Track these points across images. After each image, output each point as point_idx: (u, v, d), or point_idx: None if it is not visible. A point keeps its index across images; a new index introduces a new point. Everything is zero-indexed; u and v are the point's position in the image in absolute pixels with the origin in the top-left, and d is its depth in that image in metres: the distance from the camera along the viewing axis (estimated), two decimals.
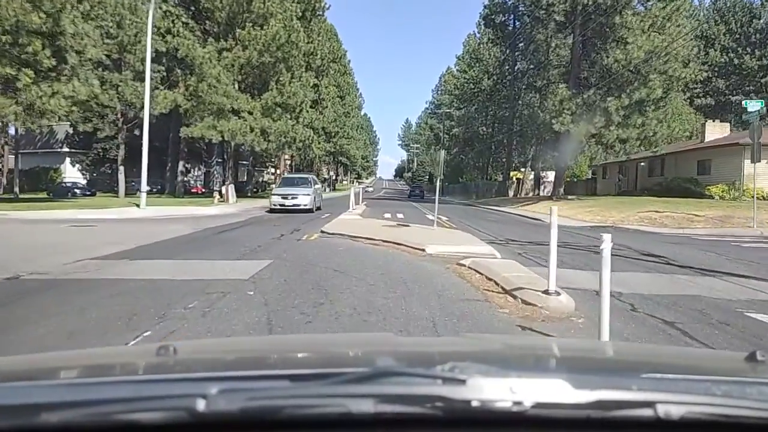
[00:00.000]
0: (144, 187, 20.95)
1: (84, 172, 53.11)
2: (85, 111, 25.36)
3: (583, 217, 22.90)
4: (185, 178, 59.16)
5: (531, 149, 52.05)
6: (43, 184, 46.56)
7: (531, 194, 53.47)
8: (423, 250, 9.17)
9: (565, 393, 0.83)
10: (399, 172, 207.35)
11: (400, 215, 22.49)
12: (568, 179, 54.01)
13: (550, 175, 54.72)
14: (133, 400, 0.80)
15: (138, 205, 21.29)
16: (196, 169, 64.04)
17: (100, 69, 29.41)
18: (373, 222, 15.57)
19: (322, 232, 13.09)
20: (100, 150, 47.22)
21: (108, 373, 1.15)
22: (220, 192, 28.92)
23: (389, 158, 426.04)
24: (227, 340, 3.25)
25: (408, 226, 13.63)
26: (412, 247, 9.54)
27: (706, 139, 31.49)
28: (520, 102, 53.17)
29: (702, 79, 30.10)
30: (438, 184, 12.02)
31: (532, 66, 48.97)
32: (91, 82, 21.82)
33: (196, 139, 40.71)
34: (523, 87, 53.17)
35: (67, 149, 55.26)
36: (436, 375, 0.85)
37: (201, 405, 0.77)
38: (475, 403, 0.79)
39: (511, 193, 52.63)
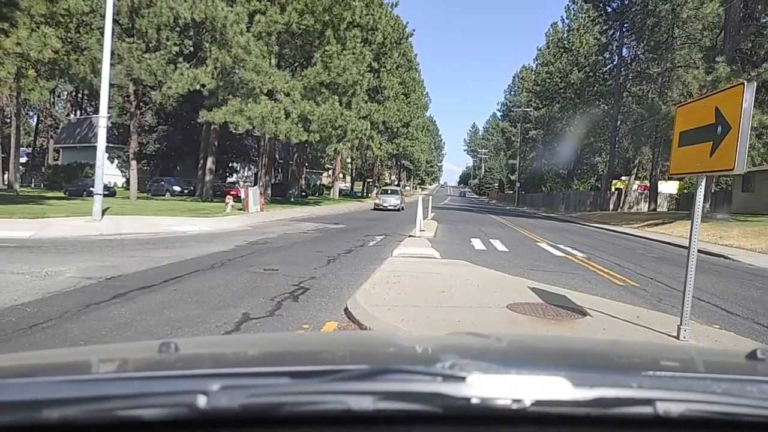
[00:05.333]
0: (99, 188, 13.75)
1: (122, 168, 48.28)
2: (48, 74, 18.80)
3: None
4: (233, 179, 53.30)
5: (640, 153, 41.91)
6: (72, 181, 41.50)
7: (635, 208, 43.26)
8: None
9: (565, 390, 0.82)
10: (464, 179, 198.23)
11: (496, 242, 14.02)
12: (686, 191, 43.38)
13: (661, 186, 44.22)
14: (135, 397, 0.79)
15: (103, 212, 14.19)
16: (246, 168, 58.01)
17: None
18: (471, 274, 7.26)
19: (349, 313, 5.03)
20: (137, 145, 41.44)
21: (109, 370, 1.15)
22: (236, 197, 21.47)
23: (452, 165, 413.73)
24: (228, 338, 3.21)
25: (583, 312, 5.16)
26: None
27: None
28: (626, 94, 43.23)
29: None
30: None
31: (647, 49, 38.92)
32: (44, 31, 14.90)
33: (238, 132, 34.29)
34: (631, 76, 43.16)
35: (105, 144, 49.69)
36: (436, 372, 0.83)
37: (202, 401, 0.76)
38: (474, 401, 0.79)
39: (610, 206, 42.63)
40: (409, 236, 13.35)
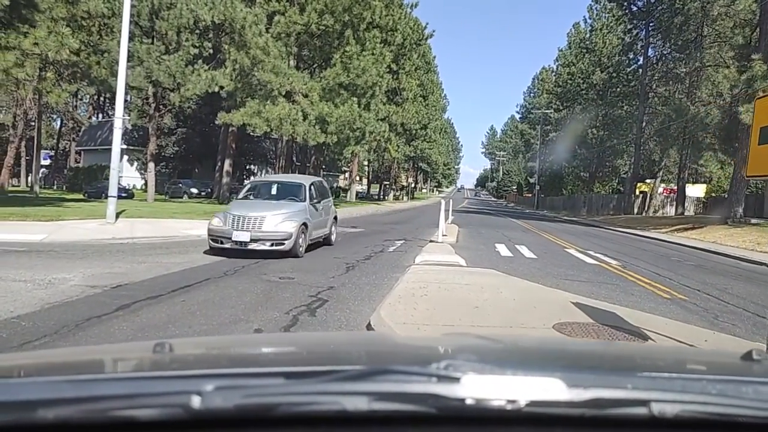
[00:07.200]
0: (113, 191, 13.41)
1: (141, 170, 48.55)
2: (69, 77, 18.68)
3: None
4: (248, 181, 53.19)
5: (667, 155, 40.73)
6: (91, 183, 41.79)
7: (661, 212, 42.01)
8: None
9: (560, 391, 0.81)
10: (481, 182, 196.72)
11: (522, 248, 13.38)
12: (715, 194, 42.02)
13: (688, 190, 42.87)
14: (130, 397, 0.79)
15: (118, 214, 13.89)
16: (264, 171, 57.96)
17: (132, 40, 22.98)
18: (504, 285, 6.72)
19: (372, 332, 4.46)
20: (156, 147, 41.57)
21: (105, 370, 1.14)
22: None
23: (469, 168, 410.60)
24: (223, 338, 3.12)
25: (643, 336, 4.52)
26: None
27: None
28: (652, 95, 42.01)
29: None
30: None
31: (674, 48, 37.76)
32: (61, 31, 14.69)
33: (256, 135, 34.14)
34: (656, 77, 41.92)
35: (124, 146, 50.03)
36: (431, 373, 0.83)
37: (197, 402, 0.76)
38: (469, 401, 0.79)
39: (635, 210, 41.45)
40: (431, 241, 12.79)
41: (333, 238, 12.02)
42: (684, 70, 36.94)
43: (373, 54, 25.40)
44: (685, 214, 37.74)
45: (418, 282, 6.55)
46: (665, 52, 40.85)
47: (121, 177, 49.18)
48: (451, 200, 25.85)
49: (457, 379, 0.80)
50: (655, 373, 1.08)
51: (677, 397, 0.82)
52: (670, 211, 41.00)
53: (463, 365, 0.85)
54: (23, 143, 47.17)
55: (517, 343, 1.76)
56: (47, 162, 55.18)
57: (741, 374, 1.13)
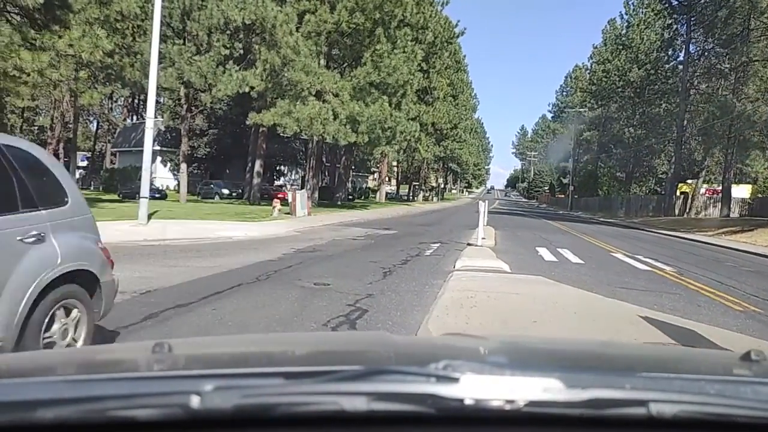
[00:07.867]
0: (144, 191, 13.22)
1: (174, 171, 49.17)
2: (104, 78, 18.75)
3: None
4: (280, 182, 53.30)
5: (710, 154, 39.10)
6: (126, 184, 42.44)
7: (703, 213, 40.28)
8: None
9: (558, 391, 0.81)
10: (512, 182, 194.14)
11: (566, 252, 12.67)
12: (761, 195, 40.07)
13: (733, 191, 40.98)
14: (129, 397, 0.79)
15: (150, 215, 13.75)
16: (293, 171, 58.03)
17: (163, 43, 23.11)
18: (559, 295, 6.25)
19: None
20: (188, 148, 41.92)
21: (104, 370, 1.14)
22: (283, 200, 20.81)
23: (499, 168, 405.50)
24: (222, 338, 3.13)
25: None
26: None
27: None
28: (693, 92, 40.32)
29: None
30: None
31: (717, 43, 36.10)
32: (95, 33, 14.67)
33: (286, 135, 34.13)
34: (697, 74, 40.22)
35: (158, 147, 50.59)
36: (430, 373, 0.83)
37: (195, 402, 0.76)
38: (468, 402, 0.79)
39: (676, 211, 39.85)
40: (469, 245, 12.24)
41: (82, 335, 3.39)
42: (728, 65, 35.32)
43: (404, 52, 24.94)
44: (730, 215, 36.08)
45: (464, 291, 6.04)
46: (708, 48, 39.18)
47: (155, 178, 49.98)
48: (486, 201, 25.27)
49: (455, 380, 0.79)
50: (653, 374, 1.07)
51: (676, 398, 0.81)
52: (713, 212, 39.27)
53: (462, 365, 0.84)
54: (61, 145, 48.37)
55: (516, 343, 1.76)
56: (84, 163, 56.52)
57: (739, 375, 1.13)
